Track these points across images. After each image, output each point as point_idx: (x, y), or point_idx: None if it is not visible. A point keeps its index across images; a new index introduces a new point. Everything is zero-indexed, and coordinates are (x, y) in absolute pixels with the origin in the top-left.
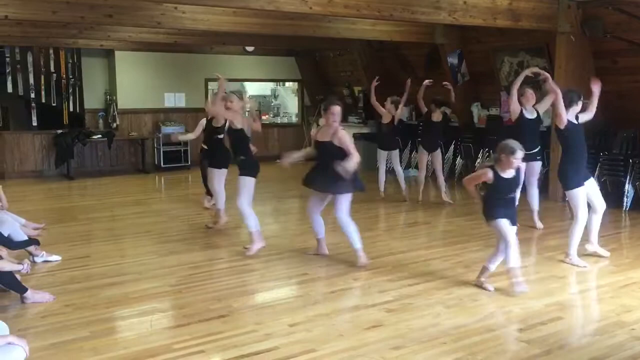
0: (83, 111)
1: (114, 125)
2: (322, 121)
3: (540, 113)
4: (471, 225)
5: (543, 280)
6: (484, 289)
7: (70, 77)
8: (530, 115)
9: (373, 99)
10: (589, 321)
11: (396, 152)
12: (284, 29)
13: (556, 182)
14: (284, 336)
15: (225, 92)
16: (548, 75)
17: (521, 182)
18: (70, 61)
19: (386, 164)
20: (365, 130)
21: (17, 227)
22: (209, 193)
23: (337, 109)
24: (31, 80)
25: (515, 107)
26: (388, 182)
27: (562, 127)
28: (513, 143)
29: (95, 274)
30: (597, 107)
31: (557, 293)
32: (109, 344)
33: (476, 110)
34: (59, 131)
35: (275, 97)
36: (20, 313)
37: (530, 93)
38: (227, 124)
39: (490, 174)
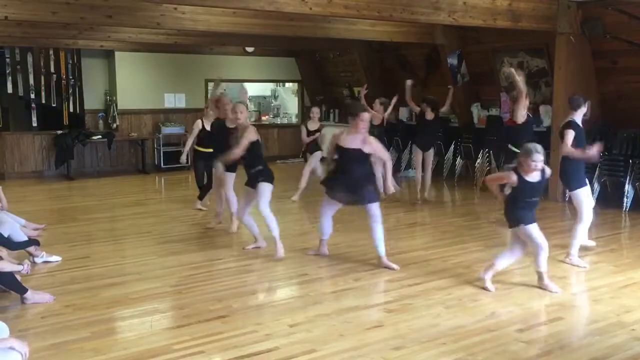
0: (83, 112)
1: (114, 125)
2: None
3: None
4: (471, 225)
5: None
6: (485, 288)
7: (70, 77)
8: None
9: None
10: (589, 321)
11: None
12: (284, 30)
13: (556, 183)
14: (284, 336)
15: (232, 101)
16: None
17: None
18: (70, 62)
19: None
20: None
21: (17, 228)
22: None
23: (367, 116)
24: (31, 81)
25: (523, 111)
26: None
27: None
28: (531, 145)
29: (96, 275)
30: (596, 108)
31: (556, 293)
32: (109, 345)
33: (476, 111)
34: (59, 132)
35: (275, 97)
36: (21, 314)
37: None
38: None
39: (514, 177)
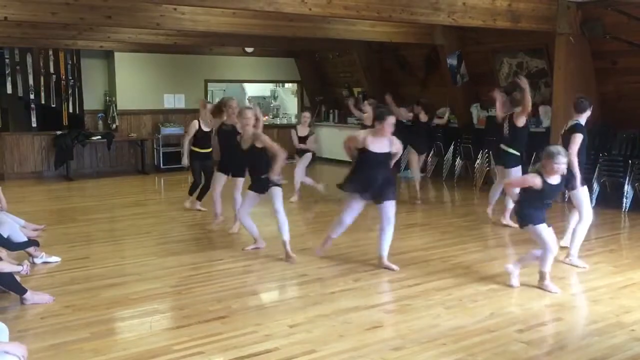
0: (82, 112)
1: (114, 126)
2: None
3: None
4: (471, 226)
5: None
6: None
7: (70, 78)
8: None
9: (355, 112)
10: (589, 322)
11: None
12: (284, 30)
13: None
14: (283, 337)
15: (238, 105)
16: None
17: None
18: (70, 62)
19: None
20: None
21: (16, 229)
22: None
23: (393, 120)
24: (31, 82)
25: (524, 118)
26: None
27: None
28: (554, 147)
29: (95, 275)
30: (596, 108)
31: (556, 294)
32: (109, 345)
33: (475, 111)
34: (59, 132)
35: (275, 98)
36: (20, 314)
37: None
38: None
39: (538, 180)
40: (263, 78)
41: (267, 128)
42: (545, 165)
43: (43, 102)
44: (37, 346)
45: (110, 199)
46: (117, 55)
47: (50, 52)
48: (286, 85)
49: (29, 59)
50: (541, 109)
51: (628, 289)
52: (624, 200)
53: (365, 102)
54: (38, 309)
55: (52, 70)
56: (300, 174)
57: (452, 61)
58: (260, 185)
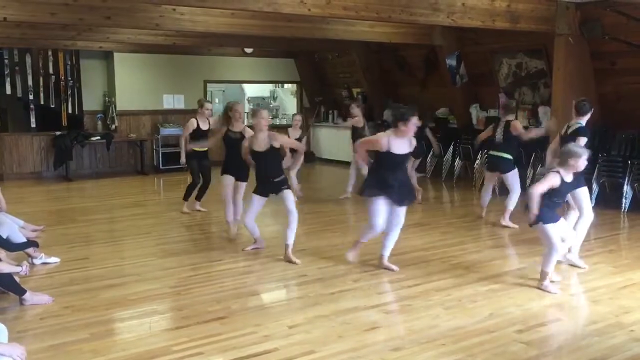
0: (82, 113)
1: (113, 126)
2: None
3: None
4: (470, 226)
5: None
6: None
7: (69, 78)
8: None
9: (348, 123)
10: (588, 322)
11: None
12: (283, 31)
13: None
14: (283, 338)
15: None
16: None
17: None
18: (69, 63)
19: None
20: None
21: (15, 229)
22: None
23: (417, 119)
24: (30, 82)
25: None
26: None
27: None
28: (578, 147)
29: (94, 276)
30: (595, 109)
31: (555, 294)
32: (108, 346)
33: (475, 112)
34: (58, 133)
35: (274, 98)
36: (19, 315)
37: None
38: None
39: (558, 179)
40: (262, 79)
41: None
42: (569, 164)
43: (42, 102)
44: (36, 347)
45: (109, 199)
46: (117, 56)
47: (50, 53)
48: (285, 85)
49: (28, 60)
50: (540, 109)
51: (627, 289)
52: (623, 200)
53: (353, 104)
54: (37, 309)
55: (51, 70)
56: (293, 176)
57: (451, 62)
58: (270, 188)
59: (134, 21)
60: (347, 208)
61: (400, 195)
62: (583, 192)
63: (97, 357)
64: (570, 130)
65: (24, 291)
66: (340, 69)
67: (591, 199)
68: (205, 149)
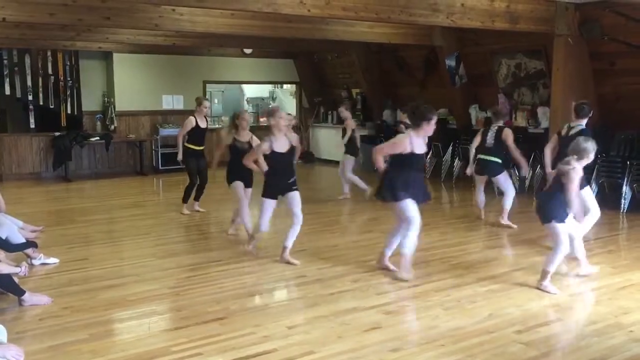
0: (81, 113)
1: (112, 127)
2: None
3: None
4: (469, 227)
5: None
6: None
7: (68, 79)
8: None
9: (351, 133)
10: (587, 323)
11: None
12: (282, 31)
13: None
14: (282, 338)
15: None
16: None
17: None
18: (68, 63)
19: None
20: (363, 132)
21: (14, 230)
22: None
23: (436, 118)
24: (29, 83)
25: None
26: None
27: None
28: (590, 141)
29: (94, 277)
30: (594, 109)
31: (555, 295)
32: (107, 347)
33: (474, 112)
34: (57, 133)
35: (273, 99)
36: (18, 316)
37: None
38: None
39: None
40: (261, 79)
41: (266, 129)
42: (589, 158)
43: (41, 103)
44: (35, 347)
45: (108, 200)
46: (116, 56)
47: (49, 53)
48: (285, 86)
49: (27, 60)
50: (539, 110)
51: (627, 289)
52: (622, 201)
53: (341, 108)
54: (36, 310)
55: (50, 71)
56: None
57: (450, 62)
58: (282, 189)
59: (133, 21)
60: (347, 208)
61: (424, 194)
62: (587, 192)
63: (96, 358)
64: (572, 132)
65: (23, 292)
66: (339, 70)
67: None
68: (202, 147)
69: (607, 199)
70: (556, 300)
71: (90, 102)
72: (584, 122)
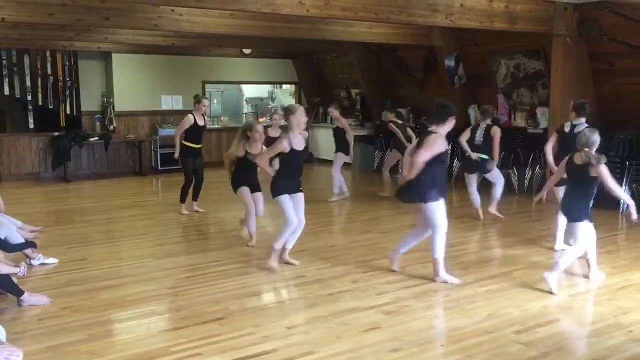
0: (80, 114)
1: (111, 127)
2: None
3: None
4: (467, 227)
5: (540, 282)
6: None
7: (68, 79)
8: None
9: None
10: (587, 323)
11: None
12: (282, 32)
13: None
14: (281, 339)
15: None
16: None
17: None
18: (68, 64)
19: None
20: (362, 132)
21: (13, 230)
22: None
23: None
24: (28, 83)
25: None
26: (375, 183)
27: None
28: (597, 134)
29: (93, 277)
30: (594, 110)
31: (554, 295)
32: (106, 347)
33: (473, 113)
34: (56, 134)
35: (273, 99)
36: (18, 316)
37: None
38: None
39: None
40: (261, 79)
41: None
42: (596, 149)
43: (40, 103)
44: (34, 348)
45: (107, 200)
46: (115, 57)
47: (48, 54)
48: (284, 86)
49: (26, 60)
50: (539, 110)
51: (626, 290)
52: (622, 201)
53: (331, 108)
54: (35, 310)
55: (49, 71)
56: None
57: (450, 63)
58: (293, 188)
59: (132, 22)
60: (346, 209)
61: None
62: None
63: (95, 359)
64: (577, 130)
65: (22, 292)
66: (339, 70)
67: None
68: (200, 146)
69: (607, 200)
70: (556, 300)
71: (90, 102)
72: (584, 120)
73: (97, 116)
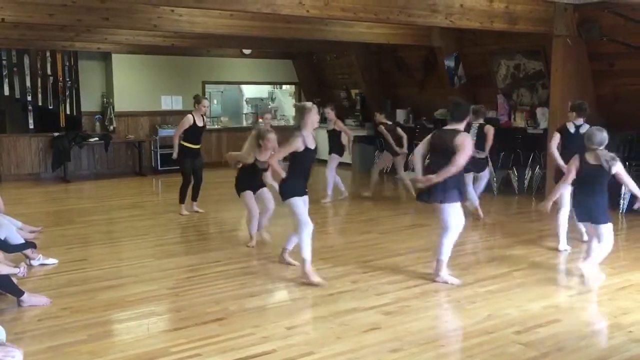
0: (80, 114)
1: (111, 128)
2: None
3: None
4: (468, 227)
5: (540, 282)
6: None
7: (67, 79)
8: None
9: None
10: (587, 323)
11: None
12: (281, 32)
13: (553, 185)
14: (281, 339)
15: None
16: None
17: None
18: (67, 64)
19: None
20: (362, 132)
21: (13, 231)
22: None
23: None
24: (28, 83)
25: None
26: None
27: None
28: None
29: (92, 277)
30: (593, 110)
31: (554, 295)
32: (106, 347)
33: None
34: (56, 134)
35: (273, 99)
36: (17, 316)
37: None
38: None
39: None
40: (261, 80)
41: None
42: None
43: (40, 103)
44: (34, 348)
45: (107, 200)
46: (115, 57)
47: (48, 54)
48: (284, 86)
49: (26, 61)
50: (538, 110)
51: (626, 290)
52: (621, 202)
53: (327, 108)
54: (35, 311)
55: (49, 71)
56: (269, 178)
57: (449, 63)
58: (305, 188)
59: (132, 22)
60: (345, 209)
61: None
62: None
63: (95, 359)
64: (582, 130)
65: (21, 292)
66: (338, 70)
67: None
68: (199, 146)
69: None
70: (555, 300)
71: (89, 102)
72: (584, 120)
73: (96, 116)
